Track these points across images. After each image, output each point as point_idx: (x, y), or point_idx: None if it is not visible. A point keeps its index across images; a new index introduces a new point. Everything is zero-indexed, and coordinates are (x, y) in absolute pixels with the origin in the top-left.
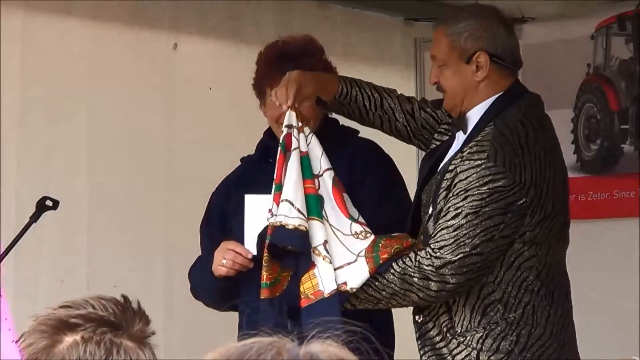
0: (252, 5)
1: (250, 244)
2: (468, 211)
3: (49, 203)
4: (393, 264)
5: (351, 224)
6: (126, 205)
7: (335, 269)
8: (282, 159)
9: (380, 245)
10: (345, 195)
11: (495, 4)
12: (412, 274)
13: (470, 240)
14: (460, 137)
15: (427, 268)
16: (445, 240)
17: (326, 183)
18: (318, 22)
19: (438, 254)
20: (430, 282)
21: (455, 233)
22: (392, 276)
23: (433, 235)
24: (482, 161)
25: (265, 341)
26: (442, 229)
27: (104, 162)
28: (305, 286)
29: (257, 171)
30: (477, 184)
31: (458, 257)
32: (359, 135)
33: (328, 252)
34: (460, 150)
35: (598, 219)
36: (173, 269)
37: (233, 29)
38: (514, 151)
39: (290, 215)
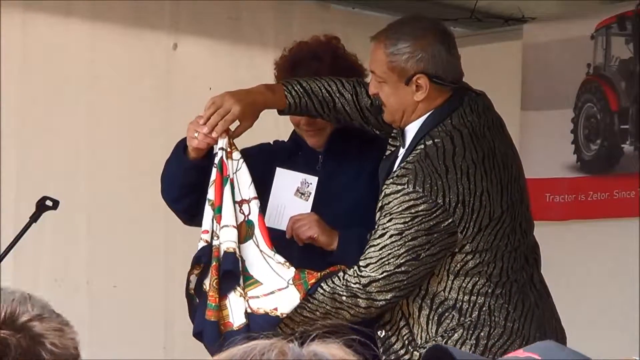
0: (252, 5)
1: (273, 215)
2: (392, 232)
3: (49, 203)
4: (322, 284)
5: (274, 254)
6: (126, 205)
7: (266, 294)
8: (219, 180)
9: (307, 272)
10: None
11: (495, 4)
12: (341, 293)
13: (394, 259)
14: (401, 151)
15: (354, 286)
16: (371, 258)
17: (255, 210)
18: (318, 22)
19: (364, 272)
20: (358, 300)
21: (380, 252)
22: (322, 296)
23: (363, 252)
24: (402, 187)
25: (266, 342)
26: (370, 247)
27: (104, 162)
28: (224, 313)
29: (287, 159)
30: (399, 209)
31: (382, 275)
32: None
33: (239, 285)
34: (394, 170)
35: (598, 219)
36: (173, 269)
37: (233, 29)
38: (436, 173)
39: (237, 243)
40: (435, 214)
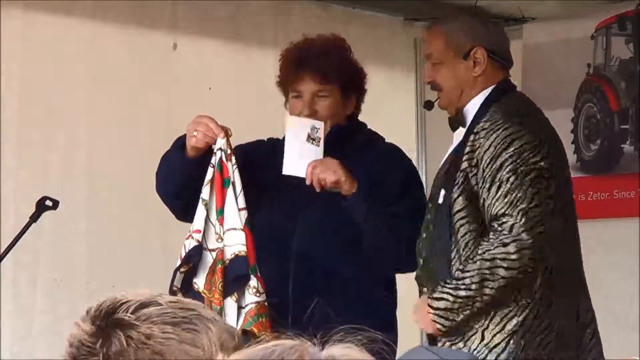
0: (252, 5)
1: (290, 163)
2: (507, 176)
3: (49, 203)
4: (468, 261)
5: (251, 276)
6: (125, 205)
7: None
8: (219, 181)
9: (260, 320)
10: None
11: (495, 4)
12: (489, 249)
13: (523, 196)
14: (459, 132)
15: (499, 236)
16: (502, 209)
17: (242, 221)
18: (318, 22)
19: (502, 220)
20: (508, 247)
21: (507, 199)
22: (471, 265)
23: (490, 213)
24: (494, 131)
25: (287, 344)
26: (495, 201)
27: (104, 162)
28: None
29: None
30: (503, 147)
31: (520, 214)
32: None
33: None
34: (466, 138)
35: (598, 219)
36: (172, 269)
37: (233, 29)
38: (517, 116)
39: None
40: (537, 149)
